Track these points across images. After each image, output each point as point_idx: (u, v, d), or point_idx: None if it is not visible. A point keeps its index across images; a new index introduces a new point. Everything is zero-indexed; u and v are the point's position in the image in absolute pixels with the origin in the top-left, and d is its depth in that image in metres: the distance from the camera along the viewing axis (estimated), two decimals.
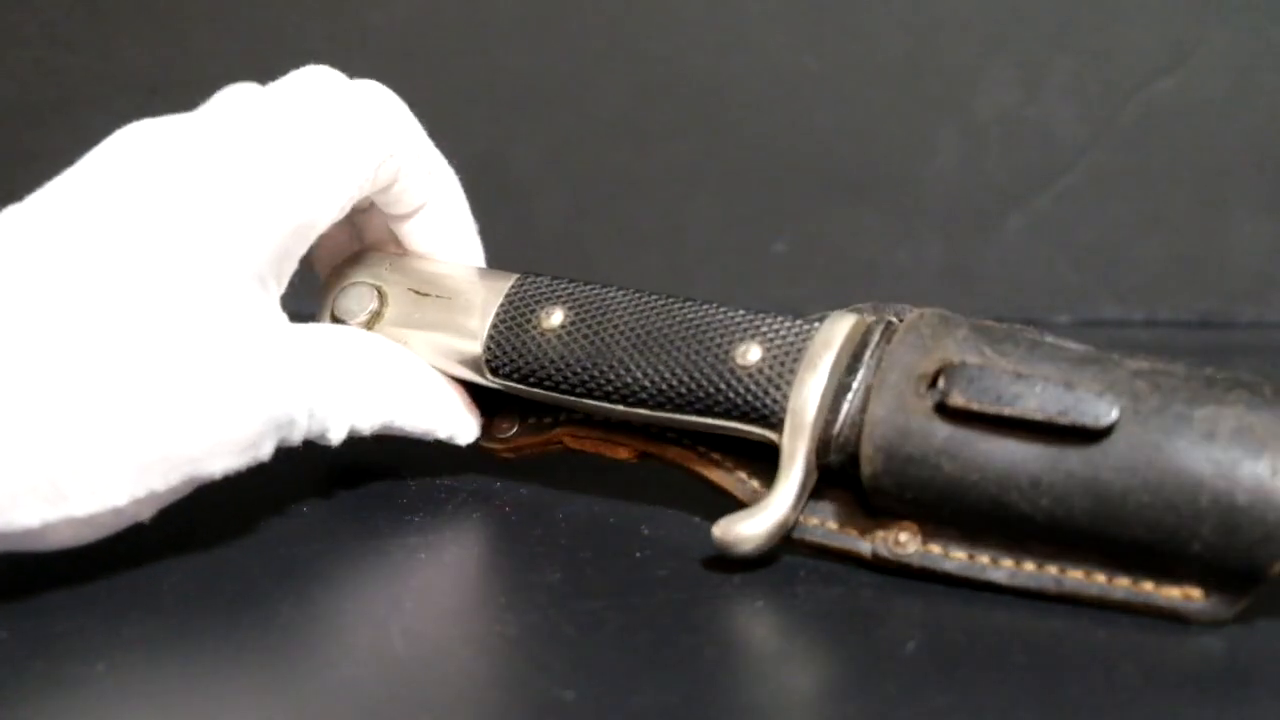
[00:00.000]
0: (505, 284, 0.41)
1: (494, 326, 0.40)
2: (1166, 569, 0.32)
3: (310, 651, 0.33)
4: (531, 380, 0.39)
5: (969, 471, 0.33)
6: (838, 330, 0.36)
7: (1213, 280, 0.62)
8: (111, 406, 0.32)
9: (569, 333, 0.39)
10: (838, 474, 0.36)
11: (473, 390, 0.41)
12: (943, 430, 0.34)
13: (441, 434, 0.41)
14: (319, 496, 0.42)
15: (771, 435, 0.36)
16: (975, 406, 0.33)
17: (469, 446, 0.41)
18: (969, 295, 0.63)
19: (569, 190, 0.66)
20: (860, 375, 0.36)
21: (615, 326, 0.38)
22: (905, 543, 0.35)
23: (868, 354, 0.36)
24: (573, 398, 0.39)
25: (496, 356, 0.40)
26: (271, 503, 0.41)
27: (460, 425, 0.41)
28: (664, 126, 0.65)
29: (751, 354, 0.36)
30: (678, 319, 0.38)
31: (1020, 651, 0.32)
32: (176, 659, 0.32)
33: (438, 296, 0.41)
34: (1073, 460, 0.33)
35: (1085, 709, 0.29)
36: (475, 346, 0.40)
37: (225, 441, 0.34)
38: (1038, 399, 0.33)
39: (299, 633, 0.34)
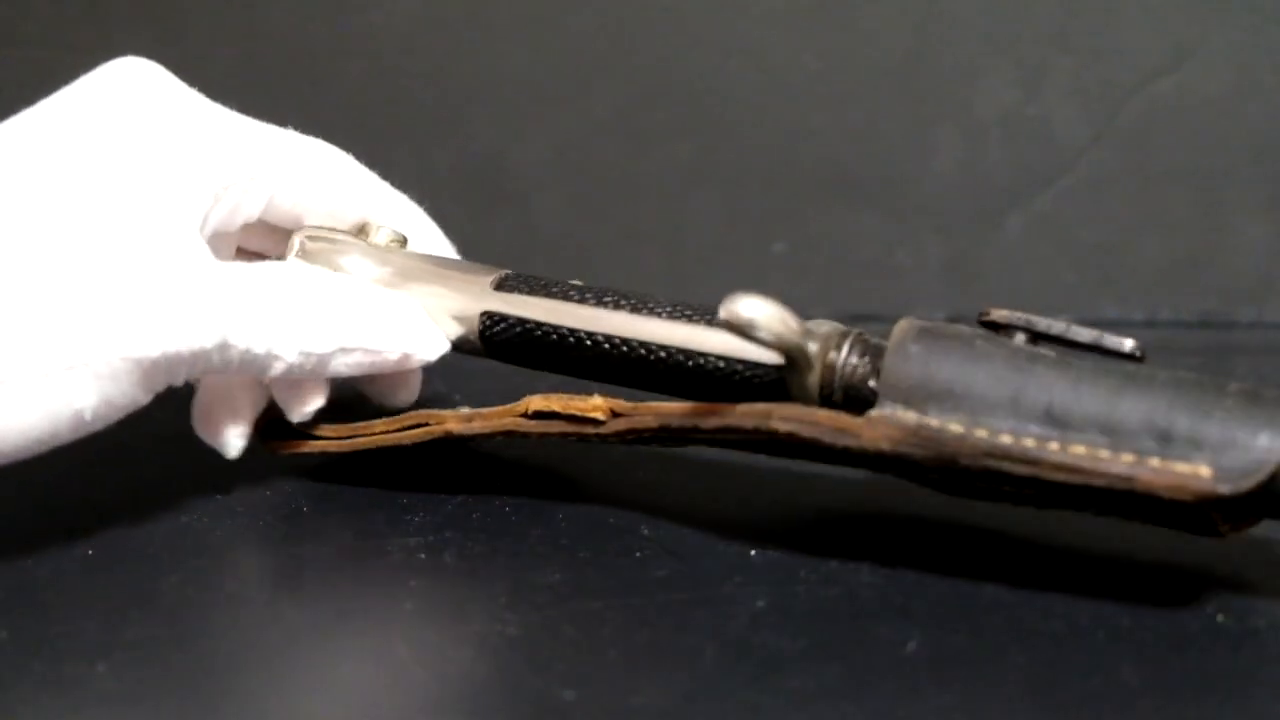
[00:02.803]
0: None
1: (510, 272, 0.41)
2: (1175, 447, 0.32)
3: (310, 652, 0.33)
4: (540, 290, 0.40)
5: (1000, 351, 0.34)
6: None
7: (1213, 280, 0.62)
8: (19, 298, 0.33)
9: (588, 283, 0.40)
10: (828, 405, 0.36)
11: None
12: (980, 330, 0.35)
13: (403, 351, 0.40)
14: (319, 496, 0.42)
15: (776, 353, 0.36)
16: (1016, 314, 0.35)
17: (459, 443, 0.41)
18: (969, 295, 0.63)
19: (569, 190, 0.66)
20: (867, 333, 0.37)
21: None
22: (903, 414, 0.34)
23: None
24: (578, 304, 0.39)
25: (507, 278, 0.40)
26: (271, 502, 0.41)
27: (420, 339, 0.40)
28: (664, 126, 0.65)
29: None
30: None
31: (1020, 651, 0.32)
32: (176, 659, 0.32)
33: (457, 260, 0.43)
34: (1098, 362, 0.34)
35: (1085, 709, 0.29)
36: (484, 277, 0.40)
37: (129, 355, 0.34)
38: (1072, 326, 0.35)
39: (299, 633, 0.34)
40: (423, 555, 0.38)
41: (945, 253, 0.64)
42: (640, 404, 0.38)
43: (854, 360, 0.35)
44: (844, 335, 0.36)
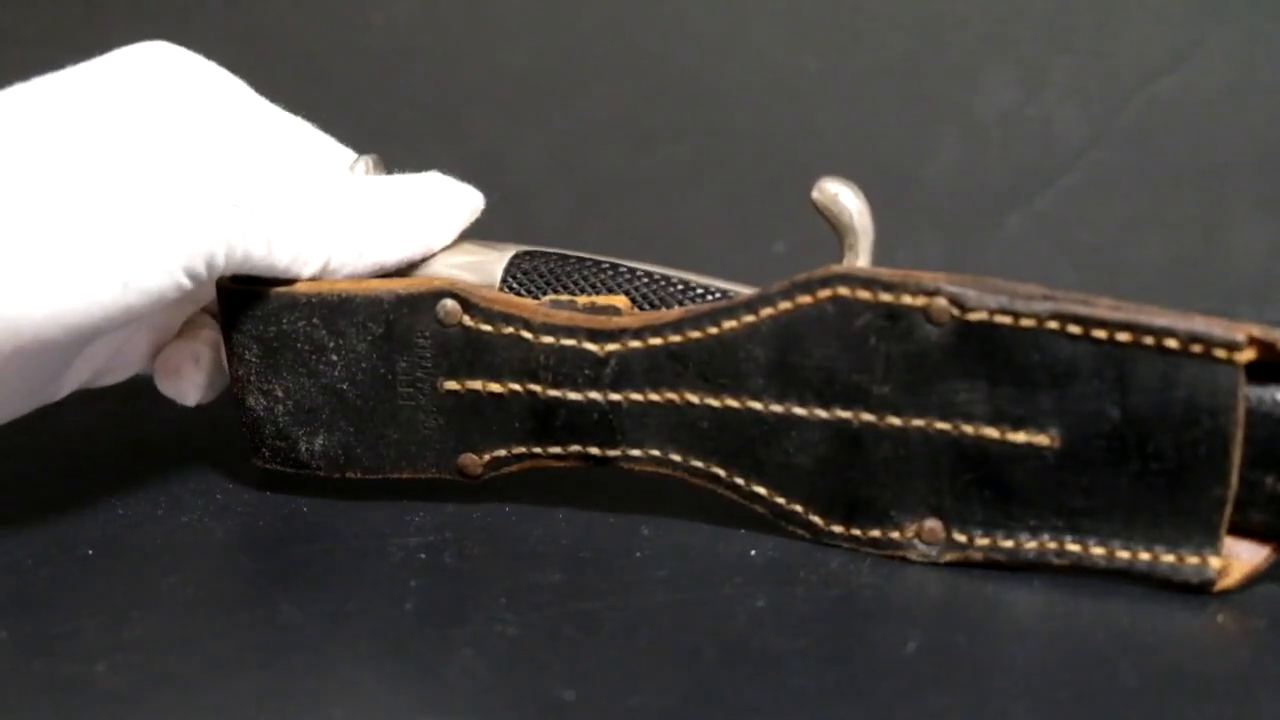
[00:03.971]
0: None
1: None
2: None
3: (310, 652, 0.33)
4: (563, 246, 0.41)
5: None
6: None
7: (1213, 280, 0.62)
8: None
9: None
10: None
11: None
12: None
13: (451, 231, 0.42)
14: (319, 496, 0.42)
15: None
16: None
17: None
18: None
19: (569, 190, 0.66)
20: None
21: None
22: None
23: None
24: (605, 257, 0.40)
25: (530, 250, 0.41)
26: (271, 503, 0.41)
27: (431, 231, 0.41)
28: (664, 126, 0.65)
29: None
30: None
31: (1020, 652, 0.32)
32: (176, 659, 0.32)
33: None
34: None
35: (1085, 709, 0.29)
36: (515, 247, 0.42)
37: (145, 253, 0.35)
38: None
39: (299, 633, 0.34)
40: (423, 555, 0.38)
41: (945, 253, 0.64)
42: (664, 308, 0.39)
43: None
44: None
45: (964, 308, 0.34)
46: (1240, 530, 0.34)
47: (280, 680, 0.32)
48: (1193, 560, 0.34)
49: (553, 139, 0.66)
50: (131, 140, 0.37)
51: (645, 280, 0.40)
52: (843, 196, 0.38)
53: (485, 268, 0.41)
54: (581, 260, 0.41)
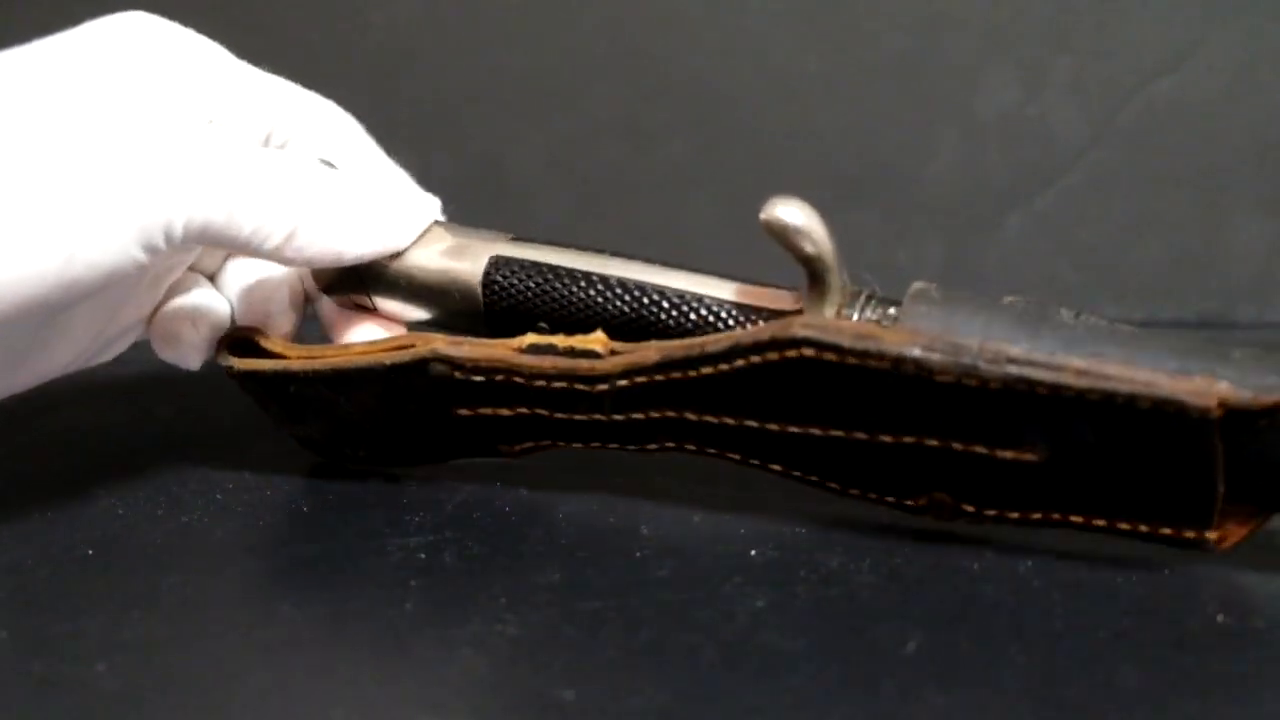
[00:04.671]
0: None
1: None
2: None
3: (310, 652, 0.33)
4: (553, 243, 0.40)
5: (1013, 309, 0.35)
6: None
7: (1213, 280, 0.62)
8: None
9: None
10: None
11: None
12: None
13: (391, 227, 0.40)
14: (319, 496, 0.42)
15: (797, 293, 0.36)
16: (1032, 299, 0.36)
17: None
18: None
19: (569, 190, 0.66)
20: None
21: None
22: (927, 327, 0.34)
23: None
24: (593, 254, 0.39)
25: (521, 237, 0.41)
26: (271, 503, 0.41)
27: (405, 215, 0.40)
28: (664, 126, 0.65)
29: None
30: None
31: (1020, 651, 0.32)
32: (176, 659, 0.32)
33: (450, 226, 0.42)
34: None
35: (1085, 709, 0.29)
36: (499, 238, 0.41)
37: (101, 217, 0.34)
38: (1083, 313, 0.36)
39: (299, 633, 0.34)
40: (423, 555, 0.38)
41: (945, 253, 0.64)
42: (644, 342, 0.37)
43: (870, 307, 0.36)
44: (859, 290, 0.37)
45: (930, 372, 0.33)
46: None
47: (280, 680, 0.32)
48: (1189, 534, 0.34)
49: (553, 139, 0.65)
50: (94, 110, 0.35)
51: (624, 297, 0.39)
52: (797, 223, 0.35)
53: (460, 276, 0.40)
54: (558, 273, 0.39)
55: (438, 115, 0.66)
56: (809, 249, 0.34)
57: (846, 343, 0.33)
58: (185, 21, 0.63)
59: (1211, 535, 0.34)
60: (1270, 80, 0.61)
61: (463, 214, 0.69)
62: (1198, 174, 0.62)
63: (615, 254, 0.40)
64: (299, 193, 0.37)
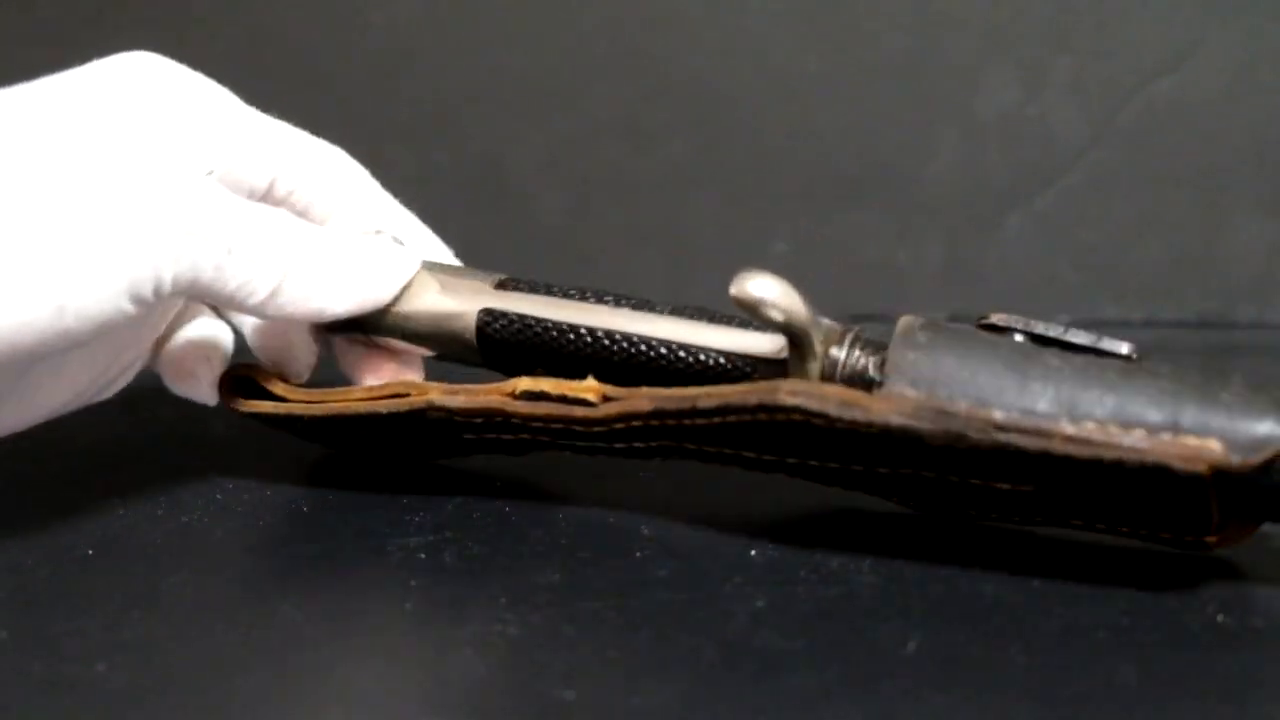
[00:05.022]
0: None
1: (511, 276, 0.41)
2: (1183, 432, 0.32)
3: (310, 652, 0.33)
4: (539, 289, 0.39)
5: (1006, 344, 0.34)
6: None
7: (1213, 280, 0.62)
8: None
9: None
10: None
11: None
12: (980, 331, 0.35)
13: (392, 289, 0.40)
14: (319, 496, 0.42)
15: (780, 341, 0.36)
16: (1015, 318, 0.35)
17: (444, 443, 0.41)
18: (969, 295, 0.63)
19: (569, 190, 0.66)
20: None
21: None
22: (911, 392, 0.34)
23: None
24: (579, 302, 0.39)
25: (508, 279, 0.40)
26: (271, 503, 0.41)
27: (391, 271, 0.40)
28: (664, 126, 0.65)
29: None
30: None
31: (1020, 651, 0.32)
32: (176, 659, 0.32)
33: (435, 267, 0.42)
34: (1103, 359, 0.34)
35: (1085, 709, 0.29)
36: (485, 276, 0.40)
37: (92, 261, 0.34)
38: (1069, 331, 0.35)
39: (299, 633, 0.34)
40: (423, 555, 0.38)
41: (945, 253, 0.64)
42: (636, 389, 0.37)
43: (857, 352, 0.36)
44: (845, 331, 0.36)
45: (919, 436, 0.33)
46: None
47: (280, 680, 0.32)
48: (1189, 537, 0.35)
49: (553, 139, 0.65)
50: (89, 160, 0.35)
51: (614, 347, 0.38)
52: (764, 295, 0.34)
53: (453, 326, 0.40)
54: (545, 326, 0.39)
55: (438, 115, 0.66)
56: (778, 318, 0.34)
57: (833, 411, 0.33)
58: (186, 21, 0.63)
59: (1211, 539, 0.34)
60: (1270, 80, 0.61)
61: (463, 214, 0.70)
62: (1198, 174, 0.62)
63: (602, 297, 0.39)
64: (284, 250, 0.37)
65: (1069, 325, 0.35)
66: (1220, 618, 0.33)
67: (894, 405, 0.33)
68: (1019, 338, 0.35)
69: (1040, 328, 0.35)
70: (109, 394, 0.42)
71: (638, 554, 0.37)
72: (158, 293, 0.35)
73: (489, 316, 0.40)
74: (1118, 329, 0.62)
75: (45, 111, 0.36)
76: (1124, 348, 0.35)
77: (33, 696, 0.31)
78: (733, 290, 0.33)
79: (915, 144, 0.63)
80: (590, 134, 0.65)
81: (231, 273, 0.36)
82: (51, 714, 0.30)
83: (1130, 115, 0.61)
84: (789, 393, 0.34)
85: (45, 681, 0.31)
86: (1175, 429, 0.32)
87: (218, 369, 0.42)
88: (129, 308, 0.35)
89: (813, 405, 0.33)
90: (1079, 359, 0.34)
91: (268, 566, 0.38)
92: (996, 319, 0.35)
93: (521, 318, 0.39)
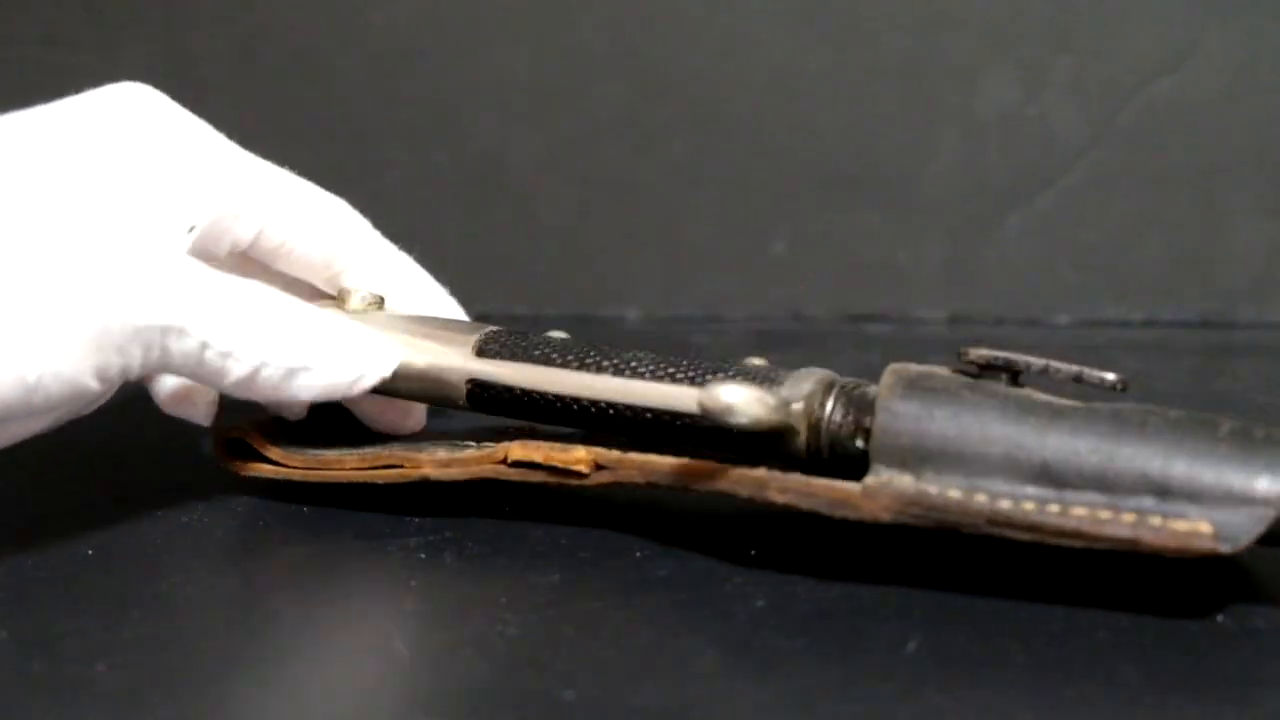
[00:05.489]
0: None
1: (490, 331, 0.40)
2: (1174, 503, 0.32)
3: (310, 652, 0.33)
4: (521, 355, 0.39)
5: (988, 402, 0.34)
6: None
7: (1213, 280, 0.62)
8: None
9: (572, 338, 0.39)
10: (820, 466, 0.36)
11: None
12: (964, 377, 0.35)
13: (359, 374, 0.38)
14: (319, 496, 0.42)
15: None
16: (996, 353, 0.35)
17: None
18: (969, 295, 0.63)
19: (569, 190, 0.66)
20: (851, 386, 0.36)
21: (618, 343, 0.39)
22: (899, 481, 0.33)
23: (857, 383, 0.37)
24: (559, 369, 0.38)
25: (488, 340, 0.40)
26: (271, 503, 0.41)
27: (372, 361, 0.39)
28: (664, 126, 0.65)
29: (755, 361, 0.38)
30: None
31: (1020, 651, 0.32)
32: (176, 659, 0.32)
33: (437, 319, 0.42)
34: (1086, 407, 0.34)
35: (1085, 709, 0.29)
36: (464, 340, 0.40)
37: (80, 318, 0.33)
38: (1052, 363, 0.35)
39: (299, 633, 0.34)
40: (423, 555, 0.38)
41: (945, 253, 0.64)
42: (626, 455, 0.37)
43: (838, 418, 0.35)
44: (828, 389, 0.36)
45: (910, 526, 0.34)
46: None
47: (280, 680, 0.32)
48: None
49: (553, 139, 0.66)
50: (69, 222, 0.34)
51: (600, 415, 0.38)
52: (730, 401, 0.33)
53: (444, 393, 0.40)
54: (532, 396, 0.39)
55: (438, 115, 0.66)
56: (746, 424, 0.34)
57: (824, 510, 0.34)
58: (186, 22, 0.63)
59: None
60: (1270, 80, 0.61)
61: (462, 213, 0.70)
62: (1198, 174, 0.62)
63: (585, 359, 0.38)
64: (262, 340, 0.37)
65: (1050, 361, 0.34)
66: (1220, 618, 0.33)
67: (884, 504, 0.33)
68: (1003, 377, 0.34)
69: (1022, 363, 0.34)
70: (93, 407, 0.41)
71: (638, 554, 0.37)
72: (125, 375, 0.35)
73: (477, 387, 0.39)
74: (1118, 329, 0.62)
75: (26, 161, 0.35)
76: (1109, 378, 0.34)
77: (33, 696, 0.31)
78: (700, 397, 0.34)
79: (915, 144, 0.63)
80: (590, 134, 0.65)
81: (204, 360, 0.36)
82: (51, 714, 0.30)
83: (1130, 115, 0.61)
84: (779, 491, 0.34)
85: (45, 681, 0.31)
86: (1164, 494, 0.32)
87: (213, 392, 0.41)
88: (95, 386, 0.35)
89: (804, 505, 0.34)
90: (1067, 414, 0.33)
91: (268, 566, 0.38)
92: (977, 356, 0.35)
93: (508, 388, 0.39)
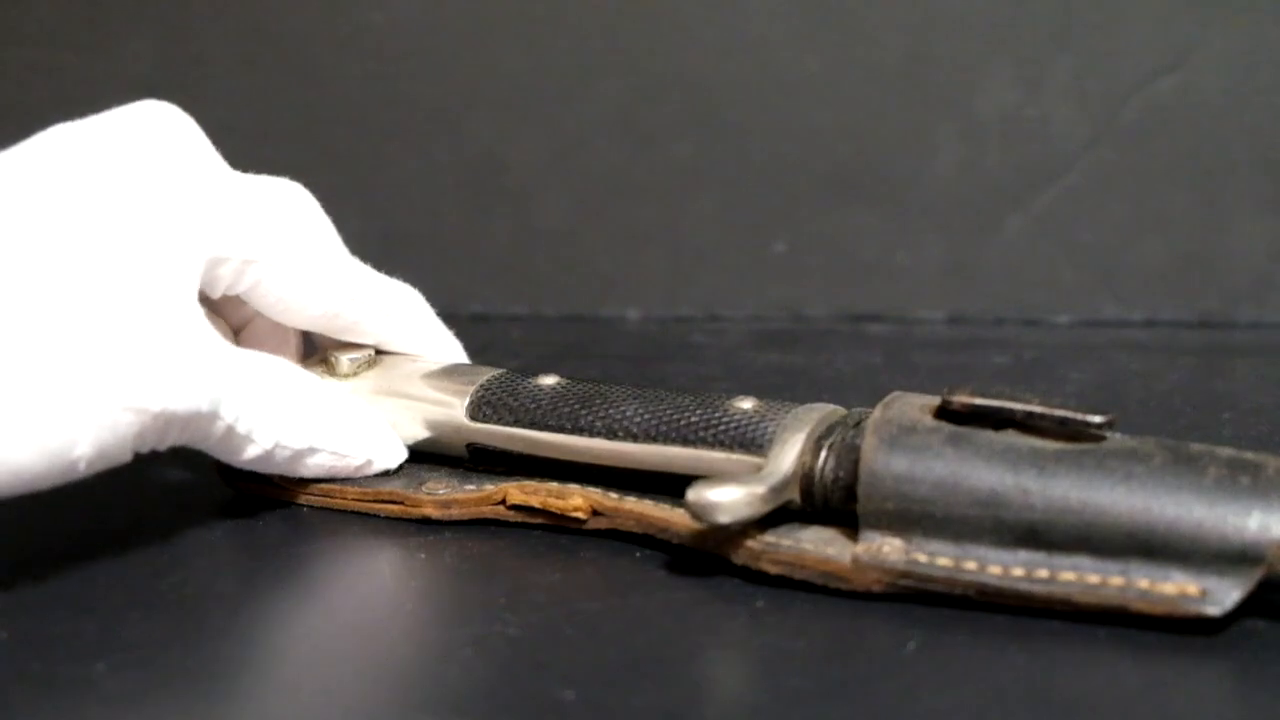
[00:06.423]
0: (496, 370, 0.42)
1: (482, 386, 0.41)
2: (1161, 564, 0.32)
3: (310, 652, 0.33)
4: (511, 419, 0.40)
5: (971, 460, 0.33)
6: (818, 406, 0.38)
7: (1213, 280, 0.62)
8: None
9: (563, 387, 0.40)
10: (816, 516, 0.36)
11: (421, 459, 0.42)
12: (948, 427, 0.34)
13: (367, 458, 0.40)
14: None
15: (758, 460, 0.36)
16: (979, 401, 0.34)
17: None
18: (969, 295, 0.63)
19: (569, 190, 0.66)
20: (842, 430, 0.36)
21: (611, 386, 0.40)
22: (889, 552, 0.34)
23: (847, 419, 0.37)
24: (552, 433, 0.39)
25: (481, 401, 0.40)
26: (271, 503, 0.41)
27: (383, 449, 0.41)
28: (664, 126, 0.65)
29: (744, 404, 0.38)
30: (675, 392, 0.39)
31: (1020, 651, 0.32)
32: (176, 659, 0.32)
33: (430, 372, 0.42)
34: (1071, 455, 0.33)
35: (1085, 709, 0.29)
36: (457, 401, 0.41)
37: (131, 407, 0.34)
38: (1036, 403, 0.34)
39: (299, 633, 0.34)
40: (422, 555, 0.38)
41: (945, 253, 0.64)
42: (623, 502, 0.38)
43: (829, 479, 0.36)
44: (818, 446, 0.36)
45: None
46: None
47: (280, 680, 0.32)
48: None
49: (553, 139, 0.65)
50: (92, 257, 0.34)
51: (593, 473, 0.39)
52: (713, 499, 0.34)
53: (446, 451, 0.41)
54: (530, 461, 0.40)
55: (438, 115, 0.66)
56: (726, 519, 0.34)
57: (816, 582, 0.35)
58: (186, 22, 0.63)
59: None
60: (1270, 80, 0.61)
61: (462, 213, 0.70)
62: (1198, 174, 0.62)
63: (580, 420, 0.39)
64: (280, 423, 0.38)
65: (1033, 403, 0.34)
66: (1220, 618, 0.33)
67: (873, 576, 0.34)
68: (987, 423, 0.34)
69: (1005, 411, 0.34)
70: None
71: (638, 554, 0.37)
72: (155, 450, 0.36)
73: (476, 451, 0.41)
74: (1118, 329, 0.62)
75: (46, 204, 0.35)
76: (1094, 419, 0.34)
77: (33, 696, 0.31)
78: (688, 499, 0.34)
79: (915, 144, 0.63)
80: (590, 134, 0.65)
81: (225, 438, 0.37)
82: (51, 714, 0.30)
83: (1130, 115, 0.61)
84: (771, 563, 0.35)
85: (45, 681, 0.31)
86: (1149, 554, 0.32)
87: None
88: (129, 459, 0.35)
89: (796, 576, 0.35)
90: (1050, 469, 0.33)
91: (268, 566, 0.38)
92: (960, 404, 0.34)
93: (504, 453, 0.40)
